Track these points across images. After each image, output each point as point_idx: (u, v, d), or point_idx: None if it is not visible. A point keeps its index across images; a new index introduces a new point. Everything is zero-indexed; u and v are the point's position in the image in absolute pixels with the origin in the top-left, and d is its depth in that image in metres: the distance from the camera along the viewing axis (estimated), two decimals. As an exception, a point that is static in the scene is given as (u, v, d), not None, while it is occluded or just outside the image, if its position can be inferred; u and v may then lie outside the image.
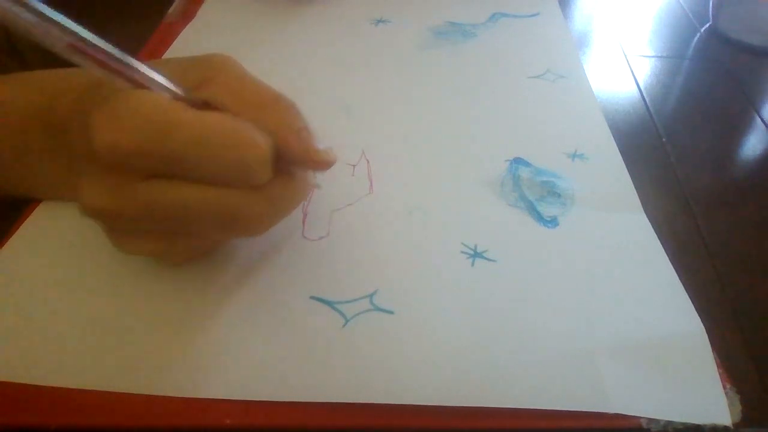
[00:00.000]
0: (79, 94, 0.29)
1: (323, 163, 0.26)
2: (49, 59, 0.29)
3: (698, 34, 0.56)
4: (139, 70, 0.24)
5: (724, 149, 0.42)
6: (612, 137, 0.39)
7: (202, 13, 0.52)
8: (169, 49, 0.47)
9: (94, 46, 0.22)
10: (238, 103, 0.25)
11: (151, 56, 0.46)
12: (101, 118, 0.23)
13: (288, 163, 0.25)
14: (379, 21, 0.52)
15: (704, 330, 0.28)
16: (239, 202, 0.24)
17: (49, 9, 0.21)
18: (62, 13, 0.21)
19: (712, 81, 0.49)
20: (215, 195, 0.24)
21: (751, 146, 0.42)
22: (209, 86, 0.26)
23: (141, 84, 0.24)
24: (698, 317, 0.28)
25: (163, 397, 0.25)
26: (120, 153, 0.23)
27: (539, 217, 0.33)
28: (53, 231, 0.31)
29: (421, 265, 0.30)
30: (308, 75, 0.44)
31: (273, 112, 0.25)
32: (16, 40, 0.41)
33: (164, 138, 0.23)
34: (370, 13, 0.53)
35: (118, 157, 0.23)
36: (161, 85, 0.25)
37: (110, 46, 0.23)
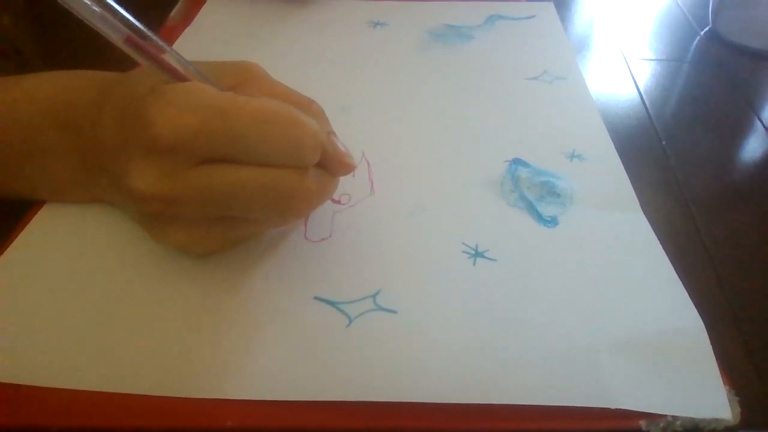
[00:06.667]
0: (98, 91, 0.29)
1: (349, 166, 0.28)
2: (50, 65, 0.29)
3: (698, 38, 0.56)
4: (189, 68, 0.25)
5: (723, 152, 0.42)
6: (609, 137, 0.40)
7: (201, 17, 0.52)
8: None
9: (151, 40, 0.24)
10: None
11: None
12: (160, 105, 0.24)
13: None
14: (377, 23, 0.52)
15: (703, 325, 0.28)
16: (294, 180, 0.25)
17: (113, 1, 0.22)
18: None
19: (712, 84, 0.49)
20: (271, 174, 0.25)
21: (751, 149, 0.42)
22: (245, 88, 0.27)
23: (188, 80, 0.25)
24: (697, 312, 0.28)
25: (165, 398, 0.25)
26: (184, 135, 0.23)
27: (539, 217, 0.33)
28: (57, 233, 0.31)
29: (423, 264, 0.31)
30: (307, 77, 0.45)
31: (308, 113, 0.26)
32: (23, 46, 0.42)
33: (227, 118, 0.24)
34: (368, 15, 0.54)
35: (180, 141, 0.24)
36: (208, 81, 0.26)
37: (164, 42, 0.24)
